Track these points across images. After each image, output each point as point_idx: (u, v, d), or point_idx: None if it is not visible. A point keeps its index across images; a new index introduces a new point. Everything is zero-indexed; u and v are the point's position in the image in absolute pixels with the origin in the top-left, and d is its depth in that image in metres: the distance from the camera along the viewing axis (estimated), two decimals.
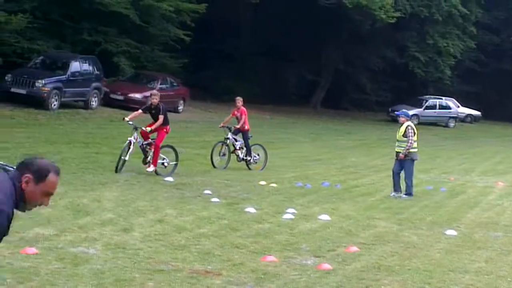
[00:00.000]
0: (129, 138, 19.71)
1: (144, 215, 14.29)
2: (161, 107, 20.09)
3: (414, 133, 19.25)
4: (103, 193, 16.49)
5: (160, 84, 37.85)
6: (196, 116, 37.86)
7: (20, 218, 13.03)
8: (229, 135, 22.55)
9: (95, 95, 34.19)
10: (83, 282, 9.27)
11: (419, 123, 49.28)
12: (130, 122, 20.04)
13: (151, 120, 20.12)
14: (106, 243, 11.57)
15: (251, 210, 15.68)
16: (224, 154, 22.65)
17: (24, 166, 5.06)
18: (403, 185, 19.50)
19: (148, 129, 19.63)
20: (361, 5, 43.64)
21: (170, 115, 36.05)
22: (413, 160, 19.30)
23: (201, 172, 21.70)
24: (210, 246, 12.02)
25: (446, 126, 50.63)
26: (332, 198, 18.61)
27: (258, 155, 23.17)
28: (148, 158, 19.98)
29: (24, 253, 10.50)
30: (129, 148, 19.62)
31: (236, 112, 23.13)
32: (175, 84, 38.91)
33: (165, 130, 20.17)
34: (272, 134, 35.25)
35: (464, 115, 53.54)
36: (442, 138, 44.50)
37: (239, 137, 22.68)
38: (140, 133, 19.85)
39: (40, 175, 5.01)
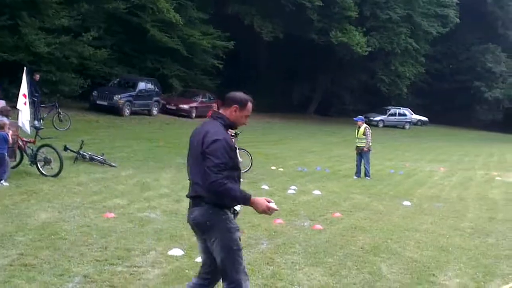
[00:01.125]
0: None
1: None
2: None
3: (370, 132, 19.45)
4: (161, 175, 16.57)
5: (201, 98, 37.95)
6: None
7: (101, 192, 13.12)
8: None
9: (155, 105, 34.27)
10: (147, 237, 9.31)
11: (384, 126, 49.36)
12: None
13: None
14: (163, 210, 11.63)
15: (265, 187, 15.75)
16: None
17: (230, 100, 5.50)
18: (362, 171, 19.52)
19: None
20: (344, 42, 43.86)
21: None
22: (369, 151, 19.38)
23: None
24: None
25: (403, 128, 50.77)
26: (322, 178, 18.66)
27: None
28: None
29: (105, 216, 10.54)
30: None
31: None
32: (211, 98, 38.85)
33: None
34: (280, 134, 35.27)
35: (416, 120, 53.66)
36: (401, 137, 44.45)
37: None
38: None
39: (243, 104, 5.44)
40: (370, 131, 19.64)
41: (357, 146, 19.51)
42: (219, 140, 5.13)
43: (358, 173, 19.42)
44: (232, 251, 5.31)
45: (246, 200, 5.28)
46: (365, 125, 19.69)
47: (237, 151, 17.46)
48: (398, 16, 48.11)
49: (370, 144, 19.47)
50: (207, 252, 5.44)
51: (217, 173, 5.03)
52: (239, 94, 5.56)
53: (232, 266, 5.29)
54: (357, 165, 19.57)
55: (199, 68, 40.06)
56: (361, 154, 19.34)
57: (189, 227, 5.57)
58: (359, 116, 20.58)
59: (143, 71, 36.57)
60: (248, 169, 18.09)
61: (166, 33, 35.81)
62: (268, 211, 5.38)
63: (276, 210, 5.41)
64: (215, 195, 5.12)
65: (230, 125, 5.44)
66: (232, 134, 18.23)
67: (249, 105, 5.49)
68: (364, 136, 19.27)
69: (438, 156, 30.66)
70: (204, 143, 5.14)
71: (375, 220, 11.95)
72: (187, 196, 5.45)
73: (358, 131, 19.53)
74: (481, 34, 60.66)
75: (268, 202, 5.36)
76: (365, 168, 19.37)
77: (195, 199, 5.32)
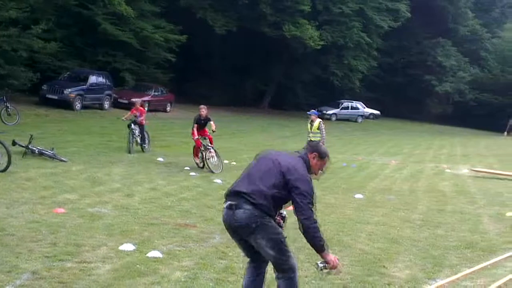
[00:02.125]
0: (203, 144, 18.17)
1: (141, 185, 14.28)
2: (210, 118, 18.69)
3: (324, 127, 19.51)
4: (112, 169, 16.45)
5: (154, 92, 37.70)
6: (180, 114, 37.69)
7: (51, 187, 12.96)
8: (132, 125, 20.93)
9: (107, 99, 33.91)
10: (98, 233, 9.24)
11: (337, 119, 49.68)
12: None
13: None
14: (114, 205, 11.56)
15: (218, 181, 15.76)
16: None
17: (312, 148, 5.86)
18: None
19: (212, 135, 18.60)
20: (296, 36, 44.00)
21: (160, 115, 36.28)
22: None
23: (183, 154, 21.64)
24: (189, 206, 12.05)
25: (356, 121, 51.10)
26: None
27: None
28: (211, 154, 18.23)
29: (55, 212, 10.44)
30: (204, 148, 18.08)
31: (135, 111, 21.48)
32: (164, 92, 38.83)
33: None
34: (234, 128, 35.22)
35: (368, 113, 53.95)
36: (353, 130, 44.78)
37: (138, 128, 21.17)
38: (209, 139, 18.40)
39: (322, 155, 5.78)
40: (324, 125, 19.62)
41: (311, 140, 18.77)
42: (311, 181, 5.57)
43: None
44: (280, 243, 5.56)
45: (322, 247, 5.53)
46: (319, 119, 19.56)
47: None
48: (350, 10, 48.46)
49: (325, 139, 19.34)
50: (249, 248, 5.76)
51: (312, 210, 5.45)
52: (323, 147, 5.98)
53: (284, 256, 5.58)
54: None
55: (151, 62, 39.88)
56: None
57: (221, 227, 5.74)
58: (313, 110, 20.50)
59: (94, 64, 36.22)
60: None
61: (117, 27, 35.67)
62: (336, 267, 5.63)
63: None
64: (304, 227, 5.44)
65: (308, 168, 5.72)
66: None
67: (326, 159, 5.89)
68: (318, 131, 19.08)
69: (390, 149, 31.01)
70: (293, 176, 5.48)
71: (327, 213, 11.99)
72: (229, 202, 5.71)
73: (311, 125, 19.33)
74: (431, 29, 61.38)
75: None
76: None
77: (243, 204, 5.56)
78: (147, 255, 8.11)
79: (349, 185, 16.81)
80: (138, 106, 21.70)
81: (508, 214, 12.68)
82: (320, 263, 5.53)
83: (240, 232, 5.63)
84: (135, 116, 21.01)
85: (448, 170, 21.95)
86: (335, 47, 49.15)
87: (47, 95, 31.13)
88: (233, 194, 5.69)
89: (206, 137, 18.39)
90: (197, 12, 41.87)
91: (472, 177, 20.11)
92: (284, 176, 5.47)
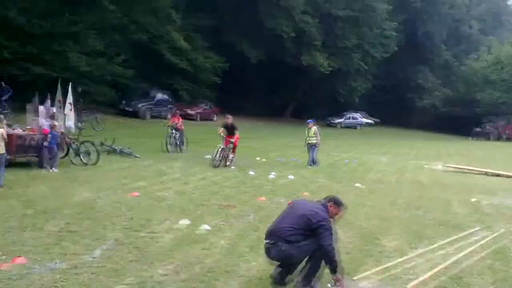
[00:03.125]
0: (218, 145, 16.99)
1: (195, 176, 14.33)
2: (235, 125, 17.78)
3: (319, 132, 19.19)
4: (174, 164, 16.54)
5: (204, 106, 38.08)
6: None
7: (128, 177, 13.04)
8: (173, 131, 20.18)
9: (169, 111, 34.11)
10: (163, 211, 9.32)
11: (342, 127, 49.40)
12: (222, 134, 17.34)
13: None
14: (175, 190, 11.63)
15: (252, 172, 15.71)
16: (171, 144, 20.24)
17: (331, 199, 6.01)
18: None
19: (232, 140, 17.28)
20: (311, 64, 44.11)
21: (209, 123, 36.42)
22: (319, 146, 19.03)
23: None
24: (230, 192, 12.06)
25: (356, 128, 50.67)
26: (295, 167, 18.58)
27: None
28: (230, 157, 17.19)
29: (131, 195, 10.55)
30: (218, 151, 16.77)
31: (176, 120, 20.64)
32: (212, 106, 39.11)
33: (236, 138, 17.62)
34: (264, 132, 35.25)
35: (365, 122, 53.39)
36: (354, 135, 44.38)
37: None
38: (234, 145, 17.37)
39: (338, 204, 5.95)
40: (319, 131, 19.38)
41: (309, 143, 18.88)
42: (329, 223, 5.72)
43: (310, 163, 18.69)
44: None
45: (335, 269, 5.62)
46: (315, 126, 19.13)
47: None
48: (352, 45, 48.26)
49: (320, 141, 19.05)
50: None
51: (331, 241, 5.59)
52: (339, 199, 6.08)
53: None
54: (310, 156, 18.91)
55: (202, 83, 39.99)
56: (313, 148, 18.77)
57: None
58: (309, 120, 19.91)
59: (160, 85, 36.49)
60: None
61: (177, 57, 35.98)
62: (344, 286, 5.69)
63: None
64: (325, 251, 5.57)
65: (328, 212, 5.86)
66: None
67: (341, 208, 6.03)
68: (314, 135, 18.75)
69: (382, 149, 30.72)
70: (314, 218, 5.63)
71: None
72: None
73: (309, 131, 18.87)
74: (414, 59, 60.99)
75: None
76: (314, 158, 18.78)
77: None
78: (199, 228, 8.15)
79: (351, 176, 16.67)
80: (178, 115, 21.16)
81: (473, 199, 12.54)
82: (333, 282, 5.65)
83: None
84: (175, 123, 20.38)
85: (426, 166, 21.74)
86: (340, 72, 48.88)
87: (125, 108, 31.56)
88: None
89: (232, 143, 17.31)
90: (237, 46, 42.08)
91: (444, 171, 19.92)
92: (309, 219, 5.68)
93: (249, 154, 21.75)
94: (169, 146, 19.83)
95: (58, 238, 7.14)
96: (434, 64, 64.15)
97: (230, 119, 17.92)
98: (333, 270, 5.55)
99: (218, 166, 16.45)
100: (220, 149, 16.75)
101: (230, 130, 17.67)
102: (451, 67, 66.15)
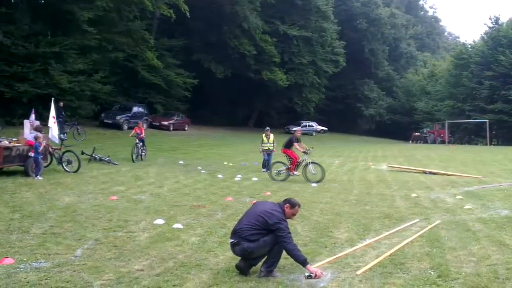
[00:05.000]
0: (304, 158, 15.78)
1: (168, 179, 14.19)
2: (300, 138, 16.31)
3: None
4: (149, 169, 16.35)
5: (176, 117, 37.71)
6: (194, 132, 37.67)
7: (107, 182, 12.81)
8: (137, 141, 18.88)
9: (145, 122, 33.56)
10: (139, 212, 9.18)
11: (303, 134, 49.55)
12: (311, 149, 16.01)
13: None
14: (150, 193, 11.50)
15: (220, 176, 15.68)
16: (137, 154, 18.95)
17: (286, 201, 5.90)
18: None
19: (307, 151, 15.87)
20: (271, 78, 44.39)
21: (181, 132, 36.18)
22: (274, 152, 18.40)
23: (196, 158, 21.59)
24: (200, 193, 11.98)
25: (311, 135, 50.95)
26: (258, 170, 18.60)
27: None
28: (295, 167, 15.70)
29: (110, 199, 10.37)
30: (302, 162, 15.66)
31: (138, 130, 19.00)
32: (183, 117, 38.85)
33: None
34: (229, 140, 35.20)
35: (319, 129, 53.77)
36: (309, 141, 44.23)
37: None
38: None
39: (293, 205, 5.85)
40: (275, 139, 18.63)
41: (268, 148, 18.18)
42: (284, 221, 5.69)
43: (264, 168, 17.90)
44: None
45: (304, 262, 5.54)
46: (272, 134, 18.57)
47: (311, 164, 15.34)
48: (306, 61, 48.78)
49: (276, 147, 18.46)
50: None
51: (290, 239, 5.57)
52: (294, 200, 5.94)
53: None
54: (265, 162, 18.14)
55: (174, 97, 39.76)
56: (269, 154, 18.08)
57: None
58: (268, 128, 19.44)
59: (136, 99, 36.19)
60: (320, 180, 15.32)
61: (151, 74, 35.79)
62: (320, 277, 5.52)
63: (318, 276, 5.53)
64: (286, 250, 5.59)
65: (283, 214, 5.80)
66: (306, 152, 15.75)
67: (296, 208, 5.91)
68: (272, 142, 18.23)
69: (334, 153, 31.05)
70: (271, 220, 5.61)
71: (292, 196, 11.95)
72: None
73: (268, 138, 18.23)
74: (360, 73, 62.02)
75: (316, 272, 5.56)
76: (269, 163, 17.61)
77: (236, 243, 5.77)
78: (173, 226, 8.07)
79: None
80: (140, 126, 19.47)
81: (413, 195, 12.74)
82: (306, 273, 5.49)
83: None
84: (138, 134, 18.98)
85: (373, 166, 21.98)
86: (297, 86, 49.27)
87: (104, 120, 31.14)
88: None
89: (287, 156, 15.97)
90: (204, 63, 42.02)
91: (388, 171, 20.20)
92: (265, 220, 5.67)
93: (217, 160, 21.71)
94: (133, 155, 18.55)
95: (43, 240, 6.96)
96: (378, 77, 65.38)
97: (299, 132, 16.81)
98: (303, 264, 5.51)
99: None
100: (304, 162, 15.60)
101: (291, 145, 16.06)
102: (393, 79, 67.61)
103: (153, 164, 18.19)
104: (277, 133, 31.61)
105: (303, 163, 15.79)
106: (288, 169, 15.71)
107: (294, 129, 50.87)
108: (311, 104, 52.61)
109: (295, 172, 15.67)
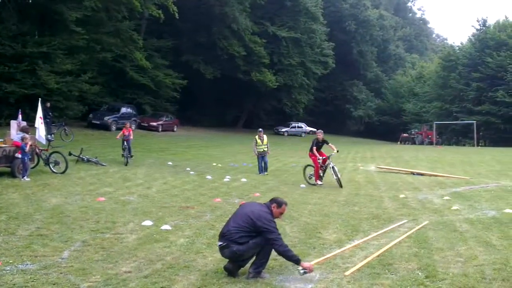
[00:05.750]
0: (330, 163, 14.92)
1: (157, 180, 14.14)
2: (327, 141, 15.24)
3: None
4: (137, 170, 16.28)
5: (165, 118, 37.55)
6: (183, 133, 37.56)
7: (95, 183, 12.73)
8: (124, 143, 18.31)
9: (133, 123, 33.40)
10: (127, 214, 9.14)
11: (288, 135, 49.66)
12: (333, 152, 14.84)
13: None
14: (139, 194, 11.44)
15: (209, 177, 15.63)
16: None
17: (273, 200, 5.92)
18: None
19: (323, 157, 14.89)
20: (260, 80, 44.35)
21: (170, 133, 36.07)
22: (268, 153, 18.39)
23: (185, 160, 21.53)
24: (189, 194, 11.95)
25: (301, 136, 50.91)
26: (247, 171, 18.62)
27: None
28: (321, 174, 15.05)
29: (98, 200, 10.30)
30: (328, 167, 14.91)
31: (125, 132, 18.48)
32: (172, 118, 38.67)
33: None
34: (219, 141, 35.15)
35: (309, 130, 53.47)
36: (299, 142, 44.57)
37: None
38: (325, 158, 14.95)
39: (280, 204, 5.87)
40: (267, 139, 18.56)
41: (263, 150, 18.06)
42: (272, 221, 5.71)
43: (260, 170, 17.84)
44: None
45: (297, 261, 5.64)
46: (265, 136, 18.52)
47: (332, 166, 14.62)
48: (295, 62, 48.84)
49: (269, 148, 18.49)
50: None
51: (280, 240, 5.60)
52: (281, 199, 5.97)
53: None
54: (260, 165, 18.02)
55: (163, 98, 39.67)
56: (263, 156, 17.98)
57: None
58: (261, 129, 19.46)
59: (124, 100, 36.03)
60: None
61: (140, 74, 35.69)
62: (312, 270, 5.70)
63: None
64: (278, 252, 5.64)
65: (271, 213, 5.82)
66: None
67: (283, 207, 5.94)
68: (266, 144, 18.12)
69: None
70: (259, 221, 5.60)
71: (281, 197, 11.96)
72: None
73: (262, 139, 18.12)
74: (349, 74, 62.28)
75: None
76: (266, 165, 17.93)
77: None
78: (161, 228, 8.04)
79: (296, 179, 16.74)
80: (128, 127, 18.88)
81: (401, 196, 12.80)
82: (301, 269, 5.59)
83: None
84: (125, 135, 18.46)
85: (361, 167, 22.05)
86: (286, 87, 49.33)
87: (92, 121, 30.95)
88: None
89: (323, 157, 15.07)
90: (193, 64, 41.95)
91: (377, 172, 20.28)
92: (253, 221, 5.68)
93: (206, 161, 21.67)
94: (123, 158, 18.17)
95: (29, 242, 6.90)
96: (367, 78, 65.70)
97: (320, 134, 15.39)
98: (296, 263, 5.57)
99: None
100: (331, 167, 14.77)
101: (321, 146, 15.33)
102: (381, 81, 67.95)
103: (141, 165, 18.10)
104: (266, 134, 31.53)
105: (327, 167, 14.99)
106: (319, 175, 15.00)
107: (282, 130, 51.62)
108: (300, 105, 52.70)
109: (318, 182, 14.90)
